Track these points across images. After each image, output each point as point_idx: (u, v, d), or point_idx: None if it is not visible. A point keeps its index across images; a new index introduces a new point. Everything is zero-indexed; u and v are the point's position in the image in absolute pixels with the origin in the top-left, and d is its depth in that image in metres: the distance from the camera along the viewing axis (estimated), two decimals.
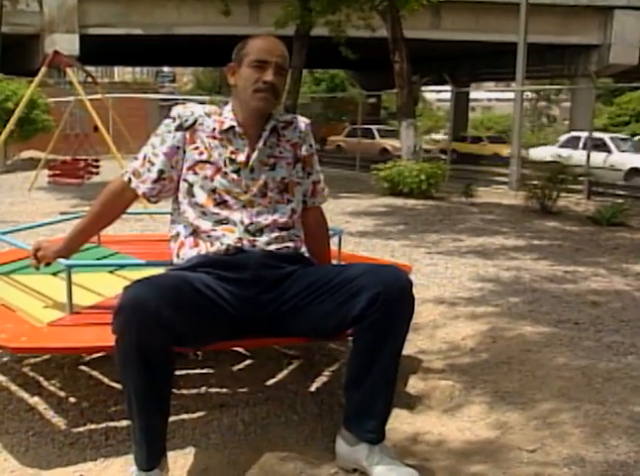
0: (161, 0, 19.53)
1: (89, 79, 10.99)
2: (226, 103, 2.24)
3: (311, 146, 2.29)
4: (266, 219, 2.12)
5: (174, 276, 2.02)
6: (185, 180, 2.14)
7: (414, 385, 2.71)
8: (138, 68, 54.20)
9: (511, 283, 4.52)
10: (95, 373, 2.77)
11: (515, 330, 3.32)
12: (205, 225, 2.10)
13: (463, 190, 10.51)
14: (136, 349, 1.79)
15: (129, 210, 2.30)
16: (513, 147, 13.26)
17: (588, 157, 11.38)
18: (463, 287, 4.37)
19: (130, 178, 2.19)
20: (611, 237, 6.89)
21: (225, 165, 2.13)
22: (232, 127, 2.14)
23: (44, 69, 8.83)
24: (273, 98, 2.12)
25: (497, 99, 48.52)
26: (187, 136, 2.14)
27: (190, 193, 2.13)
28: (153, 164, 2.16)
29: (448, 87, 14.94)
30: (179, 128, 2.15)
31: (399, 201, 9.74)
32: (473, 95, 33.10)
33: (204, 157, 2.13)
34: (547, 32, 20.68)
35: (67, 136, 10.26)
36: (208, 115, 2.17)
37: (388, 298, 1.91)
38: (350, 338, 2.10)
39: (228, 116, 2.17)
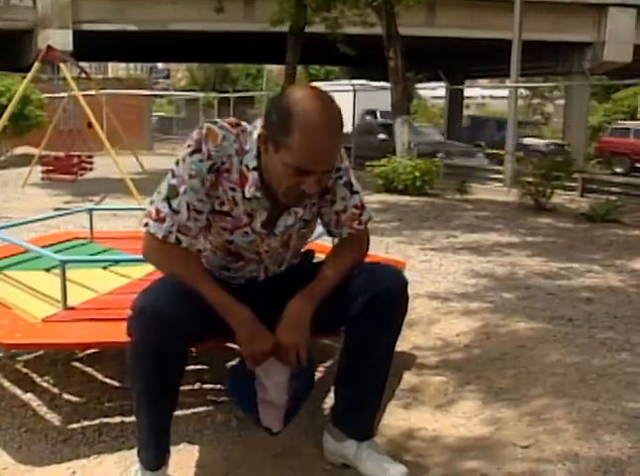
0: None
1: (83, 75, 10.96)
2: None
3: (339, 169, 1.94)
4: (280, 267, 2.06)
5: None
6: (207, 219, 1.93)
7: (408, 381, 2.71)
8: (132, 64, 53.99)
9: (505, 279, 4.52)
10: (89, 369, 2.76)
11: (509, 326, 3.33)
12: (214, 263, 2.02)
13: (457, 187, 10.52)
14: (154, 353, 1.75)
15: (122, 206, 2.28)
16: (507, 143, 13.25)
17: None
18: (457, 283, 4.37)
19: (178, 238, 1.84)
20: (605, 234, 6.90)
21: (247, 223, 1.90)
22: (256, 197, 1.86)
23: (37, 65, 8.83)
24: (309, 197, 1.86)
25: (491, 97, 48.42)
26: (214, 178, 1.84)
27: (205, 234, 1.98)
28: (200, 212, 1.86)
29: (442, 84, 14.92)
30: (212, 169, 1.82)
31: (394, 198, 9.74)
32: (467, 92, 33.09)
33: (225, 208, 1.88)
34: (541, 29, 20.64)
35: (61, 132, 10.21)
36: (238, 153, 1.84)
37: (385, 299, 1.90)
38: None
39: (253, 175, 1.83)
